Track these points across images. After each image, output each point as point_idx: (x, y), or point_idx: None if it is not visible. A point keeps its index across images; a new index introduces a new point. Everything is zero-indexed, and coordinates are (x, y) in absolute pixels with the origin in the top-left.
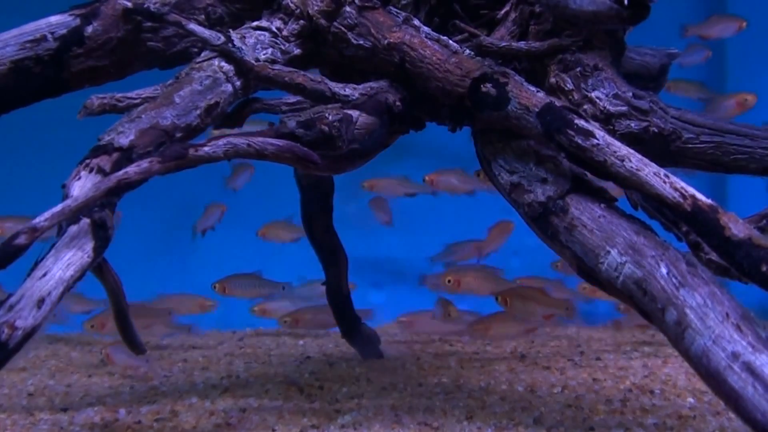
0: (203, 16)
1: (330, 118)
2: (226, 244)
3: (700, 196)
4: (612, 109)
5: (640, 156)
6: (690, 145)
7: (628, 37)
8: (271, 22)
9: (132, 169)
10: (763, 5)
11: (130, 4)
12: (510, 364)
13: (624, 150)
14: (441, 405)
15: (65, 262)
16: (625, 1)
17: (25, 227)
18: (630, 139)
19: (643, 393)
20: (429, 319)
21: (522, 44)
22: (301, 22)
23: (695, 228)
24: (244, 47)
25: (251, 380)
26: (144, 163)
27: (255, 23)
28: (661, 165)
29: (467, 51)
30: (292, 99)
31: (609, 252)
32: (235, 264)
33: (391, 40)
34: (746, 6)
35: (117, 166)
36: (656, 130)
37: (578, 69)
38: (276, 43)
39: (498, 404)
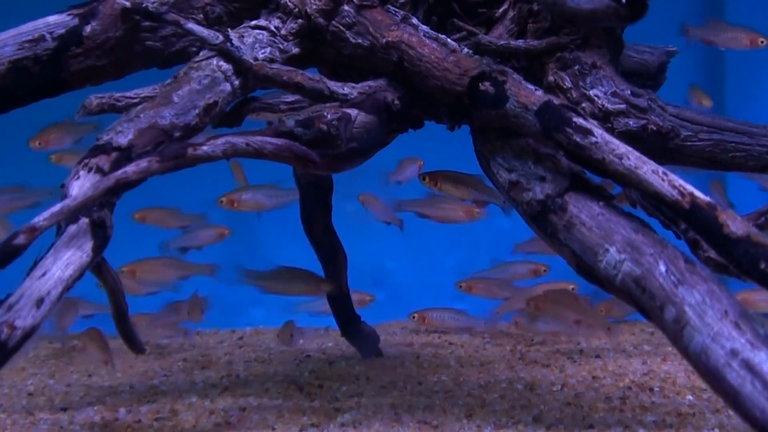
0: (201, 16)
1: (329, 117)
2: None
3: (698, 193)
4: (610, 107)
5: (638, 154)
6: (688, 143)
7: (626, 35)
8: (270, 21)
9: (131, 169)
10: (762, 5)
11: (128, 4)
12: (509, 362)
13: (622, 148)
14: (440, 403)
15: (64, 262)
16: None
17: (24, 227)
18: (628, 137)
19: (643, 391)
20: None
21: (520, 42)
22: (300, 21)
23: (694, 225)
24: (242, 46)
25: (251, 379)
26: (143, 163)
27: (253, 22)
28: (660, 163)
29: (465, 49)
30: (291, 98)
31: (607, 250)
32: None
33: (390, 39)
34: (744, 5)
35: (116, 166)
36: (654, 128)
37: (576, 67)
38: (274, 42)
39: (497, 402)
